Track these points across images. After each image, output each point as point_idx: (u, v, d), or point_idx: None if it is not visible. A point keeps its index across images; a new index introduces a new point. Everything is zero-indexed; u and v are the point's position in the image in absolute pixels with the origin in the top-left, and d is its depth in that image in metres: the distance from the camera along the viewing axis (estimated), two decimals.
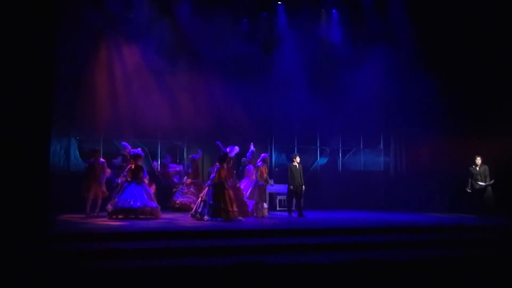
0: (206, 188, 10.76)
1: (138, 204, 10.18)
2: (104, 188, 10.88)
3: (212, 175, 10.81)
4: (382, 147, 17.12)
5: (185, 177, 13.18)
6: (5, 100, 8.18)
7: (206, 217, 10.33)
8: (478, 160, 12.44)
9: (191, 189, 12.75)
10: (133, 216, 10.08)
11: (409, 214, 13.15)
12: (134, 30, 13.46)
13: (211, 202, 10.40)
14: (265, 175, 11.81)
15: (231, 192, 10.68)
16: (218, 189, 10.52)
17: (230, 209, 10.40)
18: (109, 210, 10.31)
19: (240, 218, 10.58)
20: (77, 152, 13.12)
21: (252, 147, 12.54)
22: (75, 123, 13.03)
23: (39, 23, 8.50)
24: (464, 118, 13.89)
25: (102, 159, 11.07)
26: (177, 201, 12.64)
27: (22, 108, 8.24)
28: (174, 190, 13.20)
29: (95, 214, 10.64)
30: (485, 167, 12.38)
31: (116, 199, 10.34)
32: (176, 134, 14.32)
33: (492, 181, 12.24)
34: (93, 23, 12.84)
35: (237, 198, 11.41)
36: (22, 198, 7.98)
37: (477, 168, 12.40)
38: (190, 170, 13.14)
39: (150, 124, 13.32)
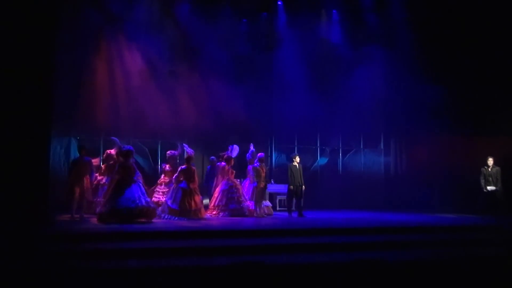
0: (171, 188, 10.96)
1: (142, 203, 9.53)
2: (88, 188, 10.27)
3: (175, 175, 10.88)
4: (382, 147, 17.12)
5: (162, 175, 12.15)
6: (5, 100, 8.18)
7: (164, 215, 10.45)
8: (490, 161, 12.03)
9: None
10: (133, 219, 9.40)
11: (409, 214, 13.14)
12: (134, 30, 13.47)
13: (168, 202, 10.58)
14: (263, 174, 11.81)
15: (194, 195, 10.67)
16: (178, 190, 10.61)
17: (189, 208, 10.47)
18: (102, 212, 9.48)
19: (205, 216, 10.84)
20: (77, 152, 13.11)
21: (252, 147, 12.54)
22: (75, 123, 13.03)
23: (39, 23, 8.50)
24: (464, 118, 13.90)
25: (87, 157, 10.47)
26: (159, 202, 11.33)
27: (22, 108, 8.24)
28: (151, 189, 12.00)
29: (79, 216, 10.00)
30: (497, 168, 11.98)
31: (115, 200, 9.50)
32: (176, 134, 14.32)
33: (498, 187, 11.95)
34: (93, 23, 12.85)
35: (229, 197, 11.58)
36: (22, 198, 7.98)
37: (489, 169, 12.02)
38: (167, 168, 12.09)
39: (150, 124, 13.31)
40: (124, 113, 13.26)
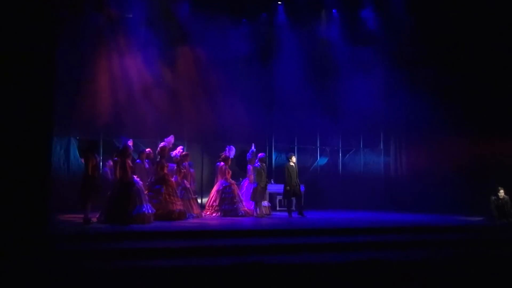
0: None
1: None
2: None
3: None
4: (382, 147, 17.12)
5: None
6: (6, 100, 8.18)
7: None
8: (501, 193, 11.60)
9: None
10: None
11: (409, 214, 13.15)
12: (134, 30, 13.47)
13: None
14: (263, 174, 11.82)
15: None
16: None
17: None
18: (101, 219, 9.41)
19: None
20: (77, 152, 13.10)
21: (253, 147, 12.55)
22: (75, 123, 13.03)
23: (39, 23, 8.50)
24: (464, 118, 13.87)
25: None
26: None
27: (22, 108, 8.24)
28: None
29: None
30: (507, 198, 11.55)
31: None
32: (176, 134, 14.30)
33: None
34: (94, 23, 12.86)
35: (222, 197, 11.67)
36: (22, 198, 7.98)
37: (500, 201, 11.58)
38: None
39: (150, 124, 13.31)
40: (124, 113, 13.24)
